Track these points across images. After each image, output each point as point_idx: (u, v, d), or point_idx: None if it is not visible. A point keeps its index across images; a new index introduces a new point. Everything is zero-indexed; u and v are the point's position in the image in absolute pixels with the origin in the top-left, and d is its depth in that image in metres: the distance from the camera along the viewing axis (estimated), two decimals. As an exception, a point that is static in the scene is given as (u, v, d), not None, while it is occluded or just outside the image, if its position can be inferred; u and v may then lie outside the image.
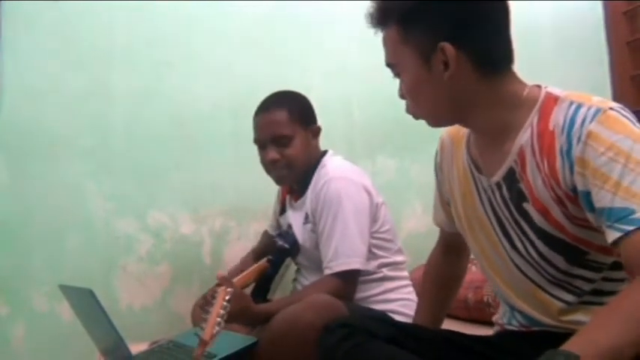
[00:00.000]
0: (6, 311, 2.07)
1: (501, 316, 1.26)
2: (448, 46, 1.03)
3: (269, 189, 2.08)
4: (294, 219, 1.87)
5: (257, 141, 1.88)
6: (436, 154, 1.34)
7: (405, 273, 1.84)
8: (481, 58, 1.05)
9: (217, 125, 2.39)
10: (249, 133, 2.36)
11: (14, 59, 2.16)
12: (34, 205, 2.14)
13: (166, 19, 2.35)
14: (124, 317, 2.12)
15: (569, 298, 1.08)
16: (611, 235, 0.92)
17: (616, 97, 2.91)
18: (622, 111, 0.98)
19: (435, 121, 1.16)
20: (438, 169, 1.34)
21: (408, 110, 1.16)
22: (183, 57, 2.38)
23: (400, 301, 1.75)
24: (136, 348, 1.62)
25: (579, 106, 0.99)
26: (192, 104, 2.37)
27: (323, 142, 1.95)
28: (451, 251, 1.42)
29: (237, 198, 2.38)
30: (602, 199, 0.93)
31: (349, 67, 2.55)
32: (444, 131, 1.30)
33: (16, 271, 2.10)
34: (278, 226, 2.03)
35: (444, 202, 1.35)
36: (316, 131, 1.88)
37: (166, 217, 2.30)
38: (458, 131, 1.25)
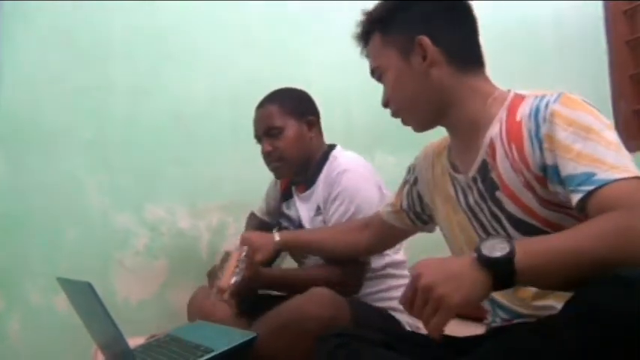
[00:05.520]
0: (2, 305, 2.07)
1: (488, 318, 1.29)
2: (425, 39, 1.15)
3: (267, 184, 2.08)
4: (302, 210, 1.88)
5: (255, 137, 1.91)
6: (415, 159, 1.44)
7: (406, 272, 1.84)
8: (453, 52, 1.16)
9: (216, 120, 2.39)
10: (248, 128, 2.35)
11: (13, 52, 2.15)
12: (32, 198, 2.14)
13: (165, 13, 2.35)
14: (120, 311, 2.12)
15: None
16: (575, 198, 0.96)
17: (615, 96, 2.91)
18: (580, 96, 1.05)
19: (417, 121, 1.23)
20: (411, 172, 1.45)
21: (393, 115, 1.25)
22: (183, 51, 2.37)
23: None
24: (133, 342, 1.62)
25: (543, 97, 1.06)
26: (190, 98, 2.37)
27: (321, 138, 1.94)
28: (368, 230, 1.58)
29: (235, 193, 2.38)
30: (566, 167, 0.98)
31: (348, 63, 2.53)
32: (429, 142, 1.40)
33: (13, 265, 2.10)
34: (280, 214, 2.02)
35: (398, 201, 1.49)
36: (312, 122, 1.89)
37: (164, 211, 2.30)
38: (440, 143, 1.34)
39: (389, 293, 1.74)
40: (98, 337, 1.46)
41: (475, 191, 1.17)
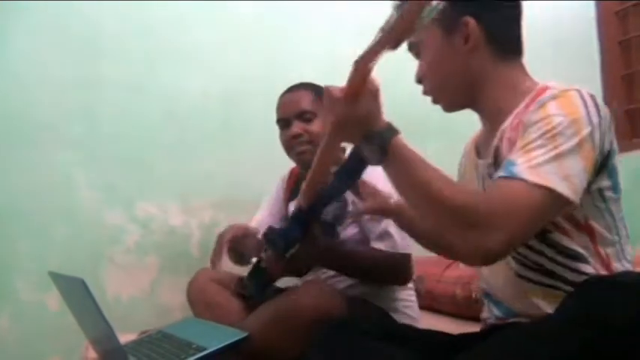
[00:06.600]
0: (-9, 301, 2.06)
1: (484, 313, 1.29)
2: (471, 21, 1.13)
3: (259, 181, 2.07)
4: None
5: (280, 120, 1.85)
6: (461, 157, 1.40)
7: None
8: (497, 39, 1.15)
9: (208, 116, 2.39)
10: (240, 125, 2.36)
11: (3, 47, 2.14)
12: (21, 194, 2.12)
13: (157, 9, 2.34)
14: (111, 308, 2.12)
15: (531, 274, 1.11)
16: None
17: (606, 96, 2.92)
18: (583, 94, 1.02)
19: (448, 100, 1.22)
20: (460, 168, 1.39)
21: (425, 92, 1.23)
22: (174, 46, 2.37)
23: (403, 301, 1.73)
24: (124, 338, 1.61)
25: (556, 88, 1.05)
26: (182, 95, 2.36)
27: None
28: None
29: (227, 190, 2.38)
30: (512, 152, 1.01)
31: (342, 61, 2.53)
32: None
33: (3, 261, 2.08)
34: (287, 213, 1.99)
35: None
36: None
37: (155, 208, 2.30)
38: (475, 136, 1.33)
39: (390, 294, 1.72)
40: (89, 332, 1.45)
41: (490, 179, 1.17)
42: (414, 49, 1.23)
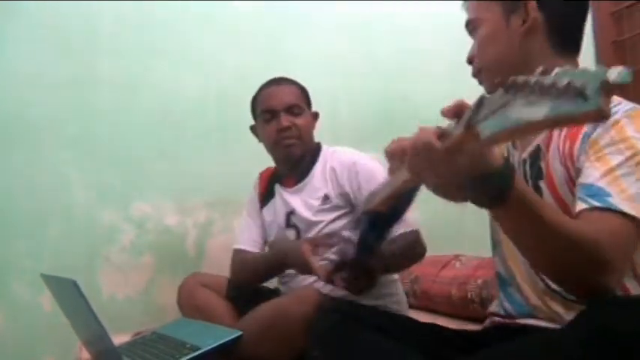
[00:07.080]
0: (-14, 300, 2.06)
1: (493, 306, 1.28)
2: (533, 4, 1.12)
3: (255, 181, 2.07)
4: (295, 201, 1.83)
5: (266, 112, 1.83)
6: None
7: None
8: (556, 31, 1.13)
9: (203, 116, 2.38)
10: (236, 125, 2.34)
11: (-1, 45, 2.14)
12: (16, 194, 2.12)
13: (154, 8, 2.33)
14: (106, 308, 2.11)
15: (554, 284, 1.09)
16: (579, 206, 0.95)
17: (601, 97, 2.92)
18: None
19: (492, 82, 1.18)
20: None
21: (474, 74, 1.22)
22: (171, 46, 2.36)
23: (391, 296, 1.74)
24: (119, 339, 1.61)
25: (619, 103, 1.03)
26: (178, 94, 2.35)
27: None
28: None
29: (222, 190, 2.37)
30: (590, 175, 0.97)
31: (336, 62, 2.54)
32: None
33: (-2, 260, 2.08)
34: (263, 220, 1.98)
35: None
36: (316, 116, 1.92)
37: (150, 207, 2.29)
38: None
39: (378, 291, 1.72)
40: (83, 334, 1.45)
41: (520, 173, 1.16)
42: (468, 27, 1.22)
